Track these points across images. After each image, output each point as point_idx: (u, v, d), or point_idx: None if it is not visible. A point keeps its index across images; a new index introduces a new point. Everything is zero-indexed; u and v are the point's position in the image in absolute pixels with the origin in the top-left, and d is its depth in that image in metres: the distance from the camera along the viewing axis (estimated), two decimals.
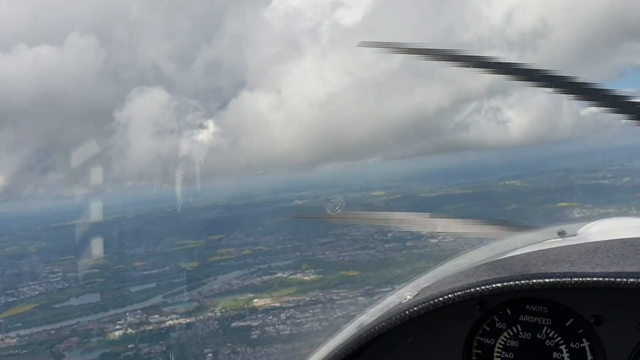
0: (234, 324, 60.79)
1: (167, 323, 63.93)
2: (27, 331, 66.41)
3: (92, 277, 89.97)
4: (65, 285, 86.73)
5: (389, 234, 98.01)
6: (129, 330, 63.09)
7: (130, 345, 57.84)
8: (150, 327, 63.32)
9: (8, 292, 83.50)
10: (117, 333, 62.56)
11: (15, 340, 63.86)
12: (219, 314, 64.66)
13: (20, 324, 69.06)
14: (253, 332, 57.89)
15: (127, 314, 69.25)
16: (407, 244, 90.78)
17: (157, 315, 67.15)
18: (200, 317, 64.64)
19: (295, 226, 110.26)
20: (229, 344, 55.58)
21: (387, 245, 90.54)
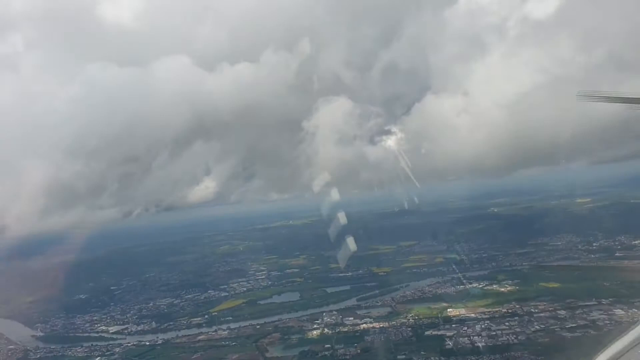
0: (427, 332, 60.07)
1: (362, 326, 65.35)
2: (236, 325, 72.62)
3: (292, 276, 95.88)
4: (269, 283, 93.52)
5: (594, 244, 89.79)
6: (326, 330, 65.60)
7: (327, 345, 60.15)
8: (345, 329, 65.32)
9: (221, 287, 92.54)
10: (314, 332, 65.44)
11: (226, 332, 70.28)
12: (412, 320, 64.42)
13: (230, 318, 75.71)
14: (447, 342, 56.69)
15: (324, 314, 72.18)
16: (616, 254, 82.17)
17: (352, 318, 69.03)
18: (394, 322, 65.00)
19: (491, 235, 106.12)
20: (422, 352, 55.06)
21: (592, 256, 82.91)
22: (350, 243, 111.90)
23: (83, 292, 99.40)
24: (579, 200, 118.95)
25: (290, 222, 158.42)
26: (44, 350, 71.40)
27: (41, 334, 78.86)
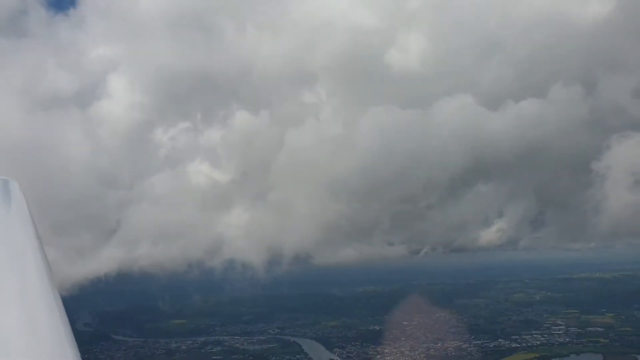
0: None
1: None
2: None
3: (595, 335, 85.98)
4: (567, 339, 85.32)
5: None
6: None
7: None
8: None
9: (512, 337, 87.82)
10: None
11: None
12: None
13: None
14: None
15: None
16: None
17: None
18: None
19: None
20: None
21: None
22: None
23: (378, 324, 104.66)
24: None
25: (597, 274, 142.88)
26: None
27: (338, 358, 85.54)
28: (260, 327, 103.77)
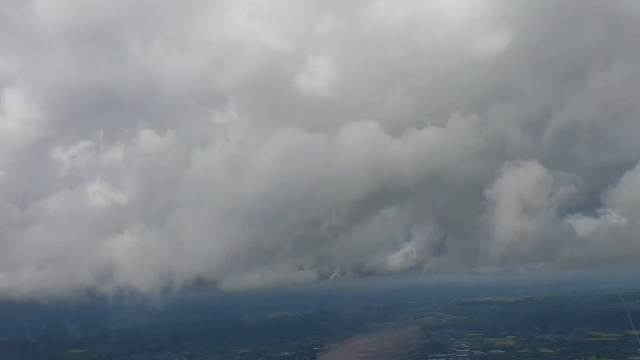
0: None
1: None
2: None
3: (496, 358, 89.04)
4: None
5: None
6: None
7: None
8: None
9: None
10: None
11: None
12: None
13: None
14: None
15: None
16: None
17: None
18: None
19: None
20: None
21: None
22: (564, 326, 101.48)
23: (288, 350, 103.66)
24: None
25: (500, 297, 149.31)
26: None
27: None
28: (166, 355, 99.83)
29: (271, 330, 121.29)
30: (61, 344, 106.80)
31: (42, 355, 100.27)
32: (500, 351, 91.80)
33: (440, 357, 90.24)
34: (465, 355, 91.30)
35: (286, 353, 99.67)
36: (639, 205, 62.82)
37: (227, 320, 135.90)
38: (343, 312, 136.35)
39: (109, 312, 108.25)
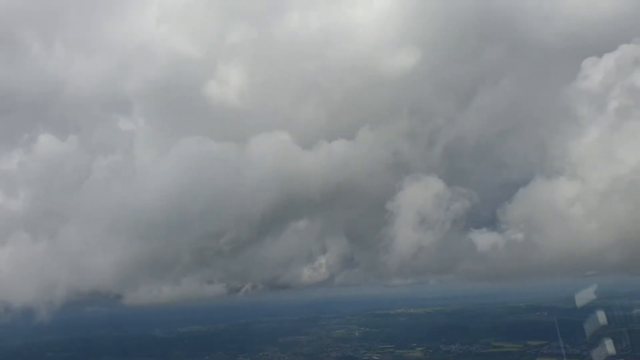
0: None
1: None
2: None
3: None
4: None
5: None
6: None
7: None
8: None
9: None
10: None
11: None
12: None
13: None
14: None
15: None
16: None
17: None
18: None
19: (635, 340, 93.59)
20: None
21: None
22: (470, 337, 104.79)
23: None
24: None
25: (412, 309, 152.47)
26: None
27: None
28: None
29: (182, 345, 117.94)
30: None
31: None
32: None
33: None
34: None
35: None
36: (532, 221, 66.08)
37: (135, 336, 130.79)
38: (257, 326, 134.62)
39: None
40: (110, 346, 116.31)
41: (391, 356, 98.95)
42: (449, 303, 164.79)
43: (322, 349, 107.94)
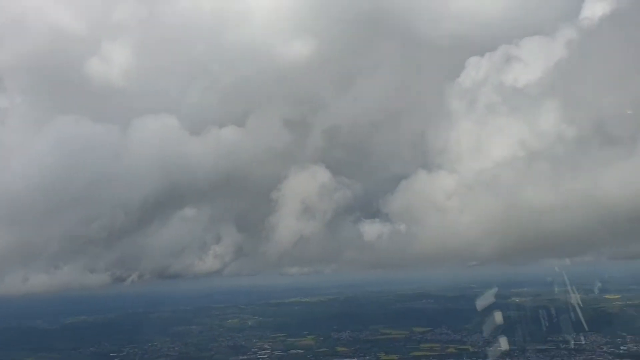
0: None
1: None
2: None
3: (295, 358, 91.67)
4: None
5: (622, 347, 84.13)
6: None
7: None
8: None
9: None
10: None
11: None
12: None
13: None
14: None
15: None
16: None
17: None
18: None
19: (510, 327, 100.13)
20: None
21: None
22: (361, 325, 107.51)
23: (82, 357, 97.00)
24: (607, 297, 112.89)
25: (306, 299, 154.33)
26: None
27: None
28: None
29: (65, 337, 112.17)
30: None
31: None
32: (300, 351, 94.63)
33: (241, 359, 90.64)
34: (266, 356, 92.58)
35: None
36: (412, 212, 68.87)
37: (15, 328, 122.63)
38: (147, 316, 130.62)
39: None
40: None
41: (282, 345, 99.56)
42: (343, 292, 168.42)
43: (213, 339, 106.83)
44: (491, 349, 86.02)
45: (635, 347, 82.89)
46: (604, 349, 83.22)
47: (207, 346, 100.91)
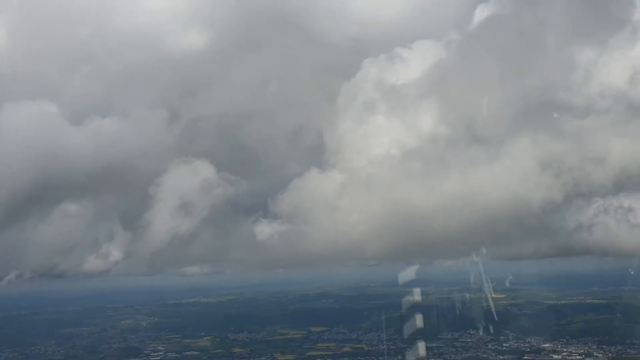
0: None
1: None
2: None
3: (192, 358, 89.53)
4: None
5: (505, 344, 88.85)
6: None
7: None
8: None
9: None
10: None
11: None
12: None
13: None
14: None
15: None
16: (525, 357, 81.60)
17: None
18: None
19: (402, 325, 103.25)
20: None
21: (500, 357, 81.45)
22: (258, 325, 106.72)
23: None
24: (493, 296, 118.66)
25: (205, 299, 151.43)
26: None
27: None
28: None
29: None
30: None
31: None
32: (195, 352, 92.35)
33: None
34: (159, 358, 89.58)
35: None
36: (303, 211, 69.17)
37: None
38: (31, 318, 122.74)
39: None
40: None
41: (177, 346, 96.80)
42: (244, 292, 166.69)
43: (104, 341, 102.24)
44: (384, 347, 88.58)
45: (516, 344, 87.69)
46: (489, 346, 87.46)
47: (97, 348, 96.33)
